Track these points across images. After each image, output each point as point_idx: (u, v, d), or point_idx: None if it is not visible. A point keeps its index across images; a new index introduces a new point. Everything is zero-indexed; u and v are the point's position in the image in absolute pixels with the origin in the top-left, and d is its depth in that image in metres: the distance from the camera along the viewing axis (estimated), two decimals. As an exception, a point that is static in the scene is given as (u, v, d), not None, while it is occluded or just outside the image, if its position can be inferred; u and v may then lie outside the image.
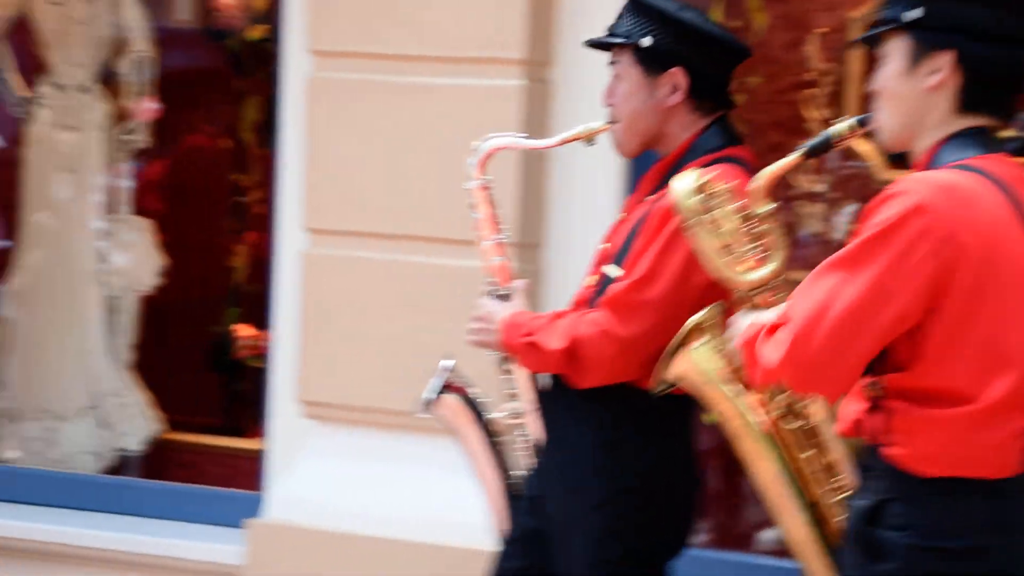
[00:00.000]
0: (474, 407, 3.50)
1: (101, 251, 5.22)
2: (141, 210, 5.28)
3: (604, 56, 3.33)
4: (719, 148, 3.21)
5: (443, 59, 4.24)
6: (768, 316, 2.65)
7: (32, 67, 5.22)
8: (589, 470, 3.33)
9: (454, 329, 3.47)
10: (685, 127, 3.26)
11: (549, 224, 4.45)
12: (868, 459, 2.58)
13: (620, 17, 3.34)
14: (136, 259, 5.15)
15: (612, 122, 3.28)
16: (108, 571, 4.83)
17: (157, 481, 5.20)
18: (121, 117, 5.13)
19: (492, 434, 3.52)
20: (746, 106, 4.35)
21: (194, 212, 5.84)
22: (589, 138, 3.38)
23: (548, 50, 4.28)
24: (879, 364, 2.57)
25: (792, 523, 2.86)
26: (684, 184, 2.82)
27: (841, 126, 2.72)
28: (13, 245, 5.24)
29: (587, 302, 3.37)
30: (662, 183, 3.22)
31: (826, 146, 2.82)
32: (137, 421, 5.20)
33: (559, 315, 3.43)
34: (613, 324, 3.16)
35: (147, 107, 5.13)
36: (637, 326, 3.15)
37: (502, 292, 3.45)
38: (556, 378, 3.31)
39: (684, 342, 2.93)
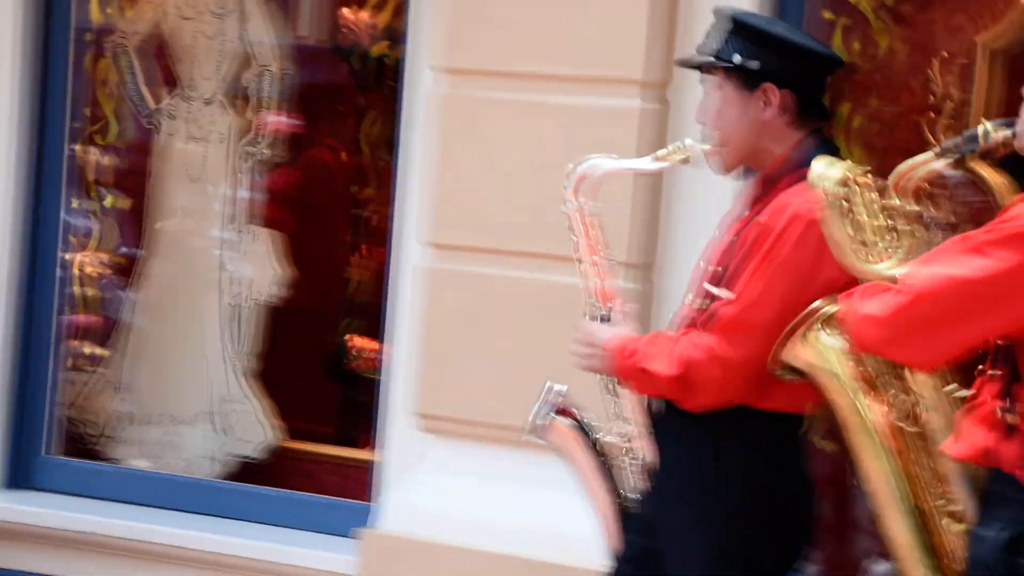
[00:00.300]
0: (584, 431, 3.49)
1: (223, 260, 5.31)
2: (265, 221, 5.35)
3: (723, 75, 3.38)
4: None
5: (566, 78, 4.26)
6: None
7: (163, 80, 5.32)
8: (703, 492, 3.31)
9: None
10: (780, 141, 3.25)
11: (663, 244, 4.43)
12: (1000, 487, 2.54)
13: (709, 35, 3.34)
14: (257, 268, 5.21)
15: (708, 140, 3.27)
16: (223, 575, 4.92)
17: (272, 488, 5.23)
18: (247, 130, 5.21)
19: (603, 457, 3.51)
20: (867, 130, 4.43)
21: (315, 224, 5.89)
22: (685, 158, 3.33)
23: (667, 70, 4.25)
24: (1015, 389, 2.55)
25: (895, 526, 2.84)
26: (829, 172, 2.83)
27: (989, 125, 2.68)
28: (141, 253, 5.34)
29: (694, 324, 3.34)
30: (760, 199, 3.26)
31: (971, 142, 2.76)
32: (255, 428, 5.26)
33: (665, 337, 3.42)
34: (724, 348, 3.15)
35: (273, 120, 5.20)
36: (748, 349, 3.13)
37: (603, 314, 3.44)
38: (667, 401, 3.30)
39: (808, 327, 2.92)
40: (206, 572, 4.92)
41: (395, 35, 5.02)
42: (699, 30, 4.16)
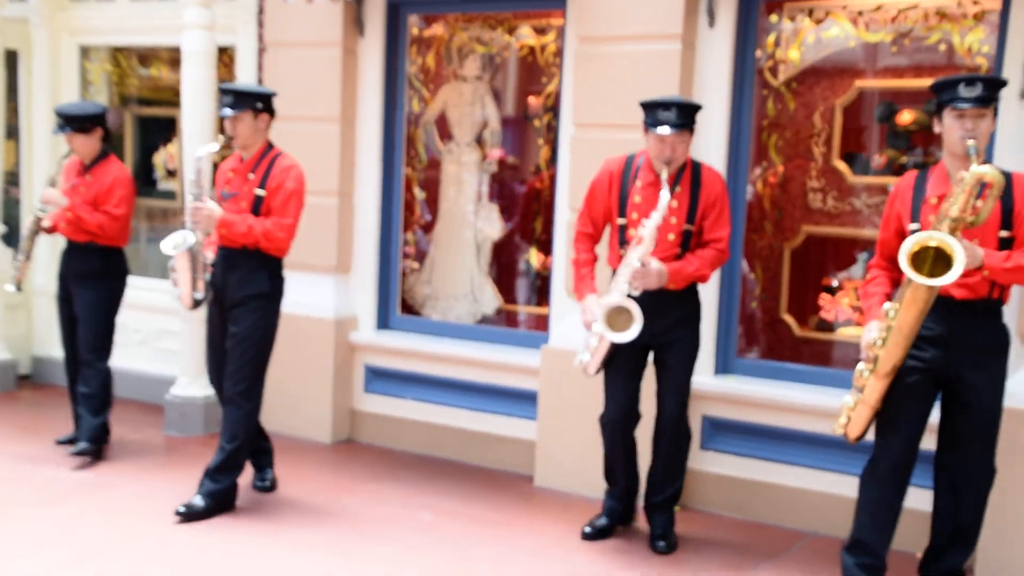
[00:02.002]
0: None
1: (474, 219, 6.12)
2: (494, 199, 6.14)
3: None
4: None
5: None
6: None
7: (442, 135, 6.19)
8: (694, 321, 4.43)
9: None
10: None
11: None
12: None
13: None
14: (489, 224, 6.15)
15: None
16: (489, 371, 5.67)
17: (503, 328, 6.16)
18: (483, 158, 6.08)
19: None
20: (783, 147, 5.20)
21: (516, 201, 6.21)
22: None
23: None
24: None
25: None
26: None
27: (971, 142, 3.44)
28: (432, 218, 6.25)
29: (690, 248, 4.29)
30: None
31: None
32: (492, 300, 6.15)
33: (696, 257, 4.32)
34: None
35: (495, 153, 6.06)
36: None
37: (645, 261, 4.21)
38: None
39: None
40: (480, 369, 5.73)
41: (555, 108, 5.62)
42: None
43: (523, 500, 5.15)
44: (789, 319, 5.34)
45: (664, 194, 4.15)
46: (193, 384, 6.18)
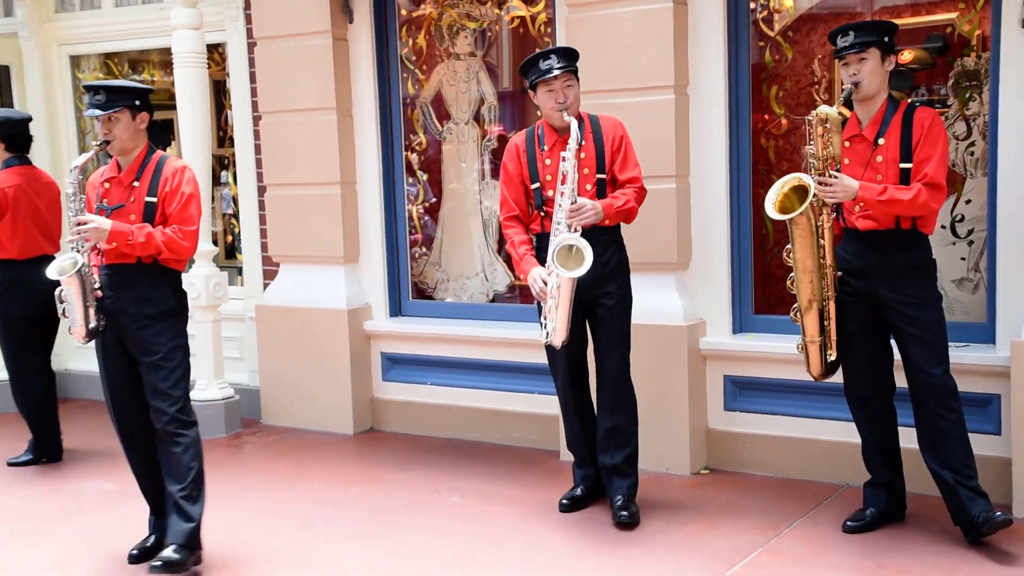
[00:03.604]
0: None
1: (479, 198, 6.06)
2: (495, 176, 5.25)
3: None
4: None
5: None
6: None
7: (440, 115, 6.13)
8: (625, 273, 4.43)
9: None
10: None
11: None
12: None
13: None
14: (495, 200, 5.80)
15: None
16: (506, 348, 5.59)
17: (515, 304, 5.93)
18: (483, 136, 6.01)
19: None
20: (783, 97, 5.14)
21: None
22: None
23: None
24: None
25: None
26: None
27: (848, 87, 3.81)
28: (436, 200, 6.18)
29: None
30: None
31: (847, 95, 3.90)
32: (503, 277, 6.03)
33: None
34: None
35: (494, 129, 5.99)
36: None
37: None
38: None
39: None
40: (497, 348, 5.71)
41: None
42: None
43: (551, 476, 5.14)
44: (804, 271, 5.21)
45: (574, 128, 4.17)
46: (211, 386, 6.18)
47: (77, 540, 4.51)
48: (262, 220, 6.47)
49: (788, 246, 3.96)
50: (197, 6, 5.92)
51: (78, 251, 3.99)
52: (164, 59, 7.00)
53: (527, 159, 4.41)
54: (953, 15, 4.73)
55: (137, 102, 4.08)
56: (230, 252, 6.99)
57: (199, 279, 6.05)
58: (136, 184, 4.10)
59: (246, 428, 6.29)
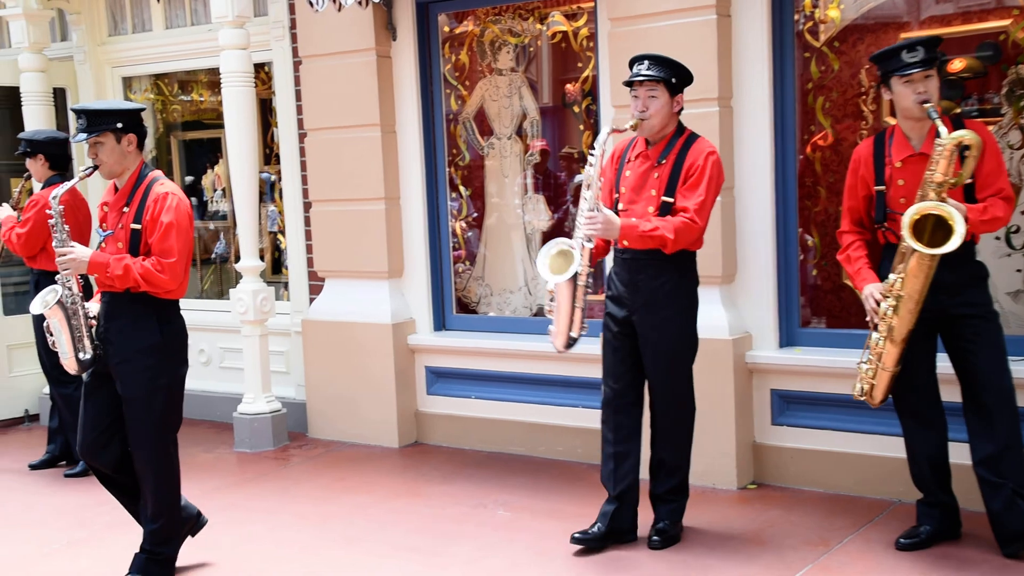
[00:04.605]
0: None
1: (520, 212, 6.08)
2: (540, 190, 5.98)
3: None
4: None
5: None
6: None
7: (482, 131, 6.13)
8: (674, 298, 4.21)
9: None
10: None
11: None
12: None
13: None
14: (537, 215, 6.03)
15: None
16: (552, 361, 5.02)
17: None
18: (526, 150, 6.00)
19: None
20: (829, 108, 5.05)
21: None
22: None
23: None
24: None
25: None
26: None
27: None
28: (479, 214, 6.19)
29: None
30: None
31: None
32: (546, 292, 5.08)
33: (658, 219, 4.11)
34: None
35: (537, 144, 6.00)
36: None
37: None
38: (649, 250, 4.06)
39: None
40: (541, 361, 5.56)
41: (593, 92, 5.52)
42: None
43: (597, 490, 5.01)
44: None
45: (605, 128, 4.14)
46: (259, 400, 6.21)
47: (132, 548, 4.45)
48: (308, 236, 6.49)
49: (895, 275, 3.80)
50: (244, 27, 5.97)
51: (63, 283, 3.86)
52: (211, 79, 7.06)
53: (616, 168, 4.27)
54: (1006, 22, 4.63)
55: (119, 124, 3.89)
56: (276, 267, 7.01)
57: (247, 294, 6.08)
58: (126, 210, 3.94)
59: (293, 441, 6.30)
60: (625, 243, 4.14)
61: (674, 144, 4.16)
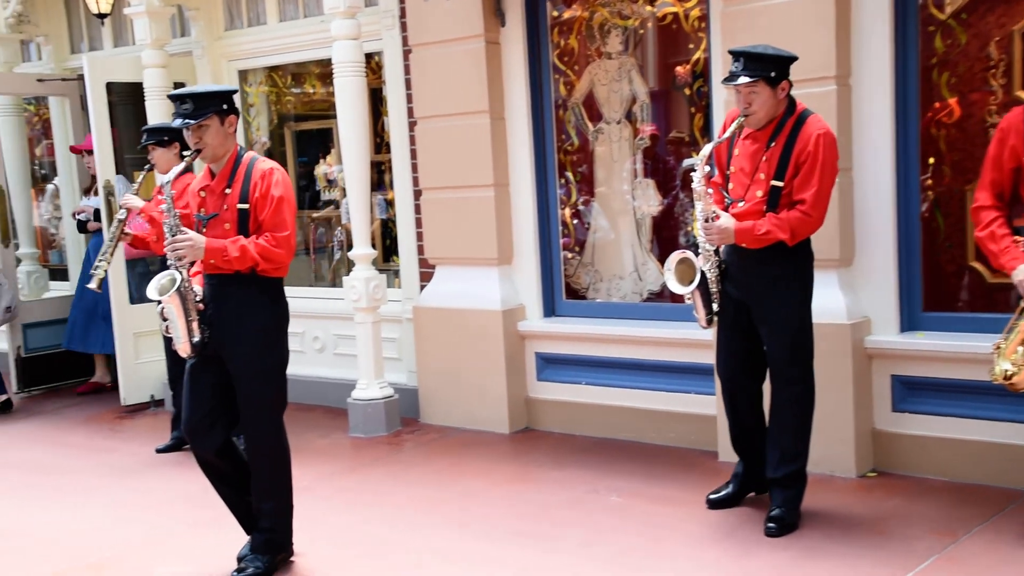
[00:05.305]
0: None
1: (630, 197, 6.01)
2: (646, 174, 5.94)
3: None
4: None
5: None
6: None
7: (591, 116, 6.07)
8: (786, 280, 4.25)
9: None
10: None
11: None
12: None
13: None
14: (647, 200, 5.94)
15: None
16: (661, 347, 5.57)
17: (669, 303, 5.01)
18: (635, 134, 5.94)
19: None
20: (953, 83, 4.85)
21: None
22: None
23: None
24: None
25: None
26: None
27: None
28: (590, 199, 6.13)
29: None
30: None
31: None
32: (657, 277, 5.86)
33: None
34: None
35: (646, 128, 5.93)
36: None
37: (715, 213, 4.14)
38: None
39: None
40: (652, 347, 5.64)
41: (705, 75, 5.52)
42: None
43: (710, 476, 5.02)
44: (979, 266, 4.97)
45: (707, 146, 4.16)
46: (372, 386, 6.30)
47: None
48: (418, 223, 6.56)
49: None
50: (356, 17, 6.07)
51: (176, 268, 3.89)
52: (323, 71, 7.18)
53: (727, 147, 4.26)
54: None
55: (224, 106, 3.94)
56: (386, 255, 7.10)
57: (359, 281, 6.18)
58: (228, 191, 3.95)
59: (405, 427, 6.37)
60: (744, 246, 4.16)
61: (784, 125, 4.13)
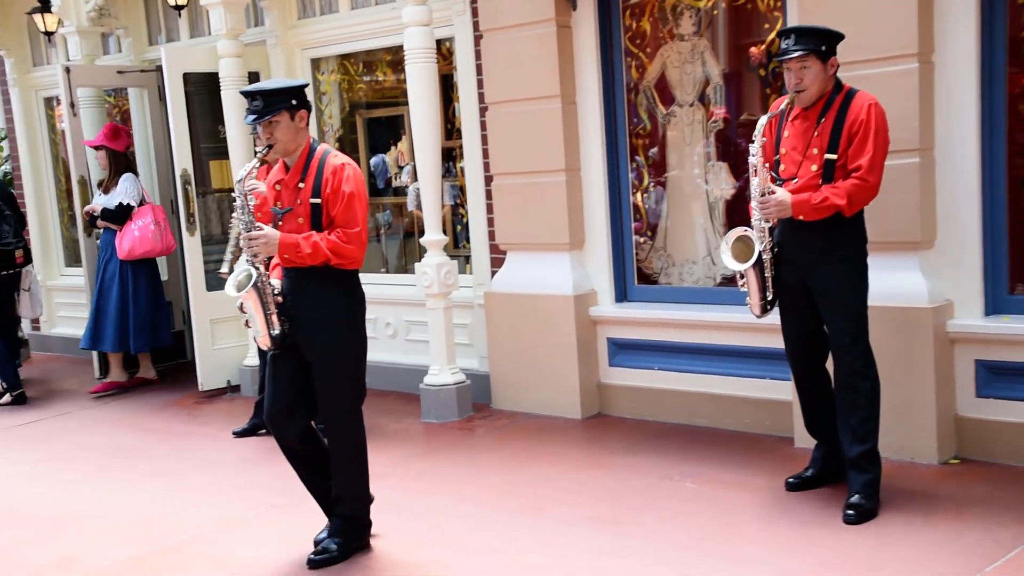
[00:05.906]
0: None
1: (703, 181, 5.96)
2: (720, 158, 5.85)
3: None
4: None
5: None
6: None
7: (662, 99, 6.02)
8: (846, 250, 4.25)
9: None
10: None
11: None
12: None
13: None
14: (720, 184, 5.89)
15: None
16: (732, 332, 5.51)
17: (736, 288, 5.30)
18: (708, 117, 5.90)
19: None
20: None
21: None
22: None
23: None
24: None
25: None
26: None
27: None
28: (658, 184, 6.06)
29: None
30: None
31: None
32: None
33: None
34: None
35: (720, 111, 5.85)
36: None
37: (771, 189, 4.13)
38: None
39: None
40: (726, 332, 5.61)
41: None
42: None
43: (786, 462, 4.98)
44: (1068, 247, 4.85)
45: (762, 119, 4.18)
46: (444, 372, 6.37)
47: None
48: (489, 209, 6.58)
49: None
50: (427, 3, 6.11)
51: (253, 264, 3.95)
52: (394, 58, 7.23)
53: (776, 128, 4.33)
54: None
55: (294, 101, 3.97)
56: (456, 242, 7.15)
57: (431, 268, 6.24)
58: (301, 186, 4.01)
59: (477, 412, 6.42)
60: (801, 217, 4.16)
61: (833, 101, 4.22)
